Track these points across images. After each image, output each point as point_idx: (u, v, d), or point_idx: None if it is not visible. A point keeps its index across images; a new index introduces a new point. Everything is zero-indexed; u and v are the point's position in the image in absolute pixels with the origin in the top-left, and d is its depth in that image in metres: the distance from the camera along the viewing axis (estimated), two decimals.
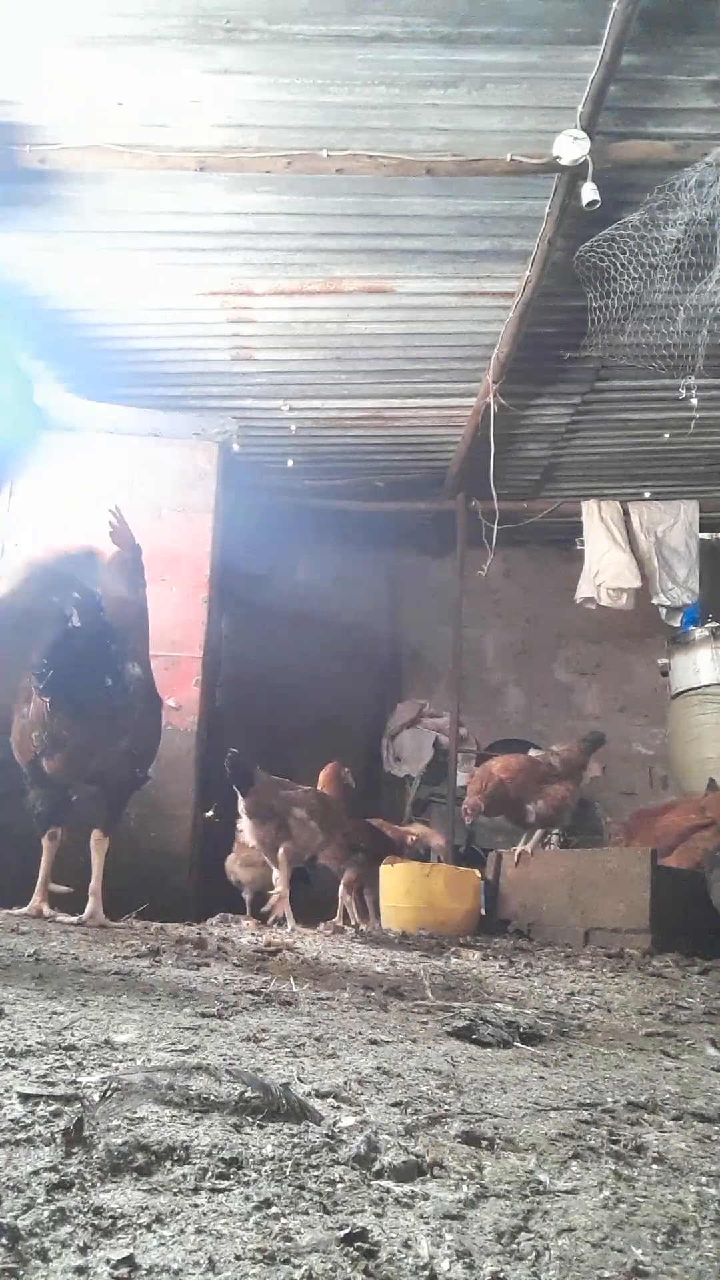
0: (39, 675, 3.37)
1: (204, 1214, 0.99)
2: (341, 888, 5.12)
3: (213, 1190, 1.06)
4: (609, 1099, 1.58)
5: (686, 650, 7.19)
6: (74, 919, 3.62)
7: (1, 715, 3.78)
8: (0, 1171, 1.04)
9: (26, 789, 3.72)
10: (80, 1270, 0.86)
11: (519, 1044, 1.99)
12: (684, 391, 5.23)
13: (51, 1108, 1.24)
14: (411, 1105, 1.44)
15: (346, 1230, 0.97)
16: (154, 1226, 0.95)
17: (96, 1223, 0.95)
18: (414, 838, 5.49)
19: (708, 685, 7.03)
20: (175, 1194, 1.04)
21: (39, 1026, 1.72)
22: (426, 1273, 0.92)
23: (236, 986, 2.42)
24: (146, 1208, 0.99)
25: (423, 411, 6.29)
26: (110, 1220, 0.96)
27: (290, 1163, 1.14)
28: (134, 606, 3.80)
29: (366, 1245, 0.95)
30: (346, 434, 6.62)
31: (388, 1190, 1.11)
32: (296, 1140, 1.22)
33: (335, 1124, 1.31)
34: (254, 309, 5.17)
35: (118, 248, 4.64)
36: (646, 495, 7.19)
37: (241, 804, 4.42)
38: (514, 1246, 0.99)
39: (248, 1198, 1.04)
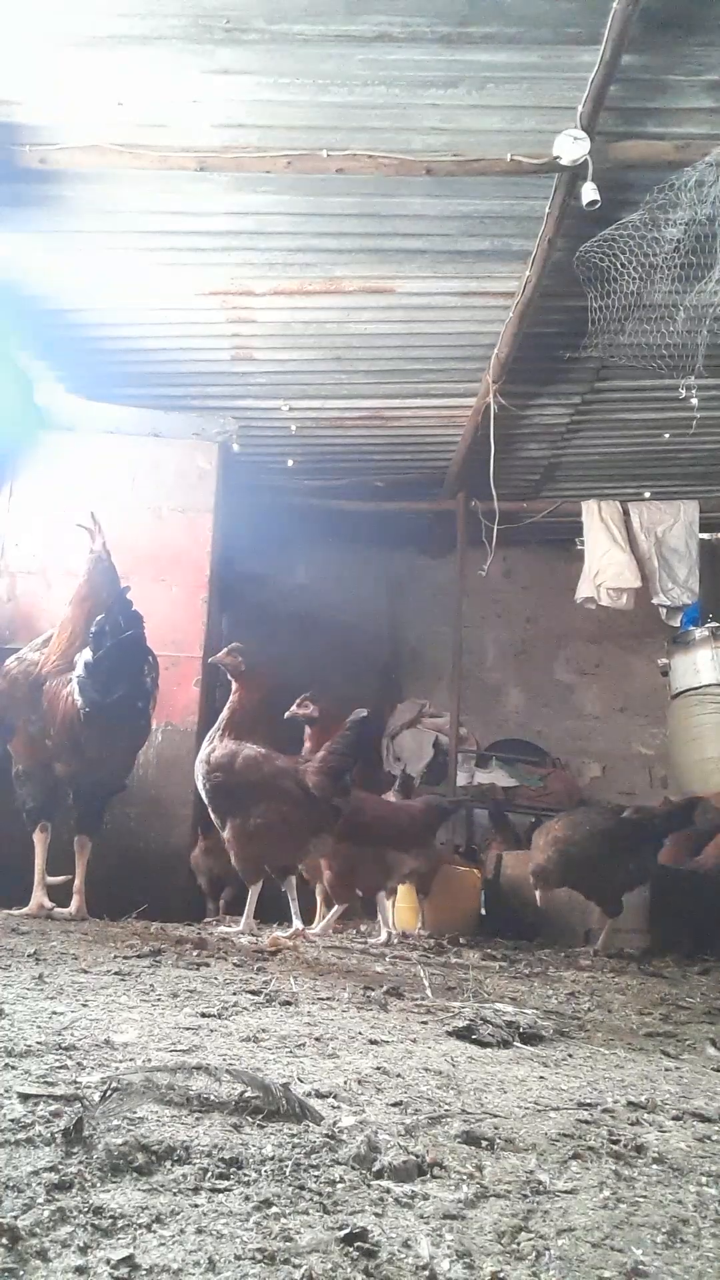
0: (98, 691, 3.47)
1: (204, 1214, 0.99)
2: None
3: (213, 1190, 1.06)
4: (609, 1099, 1.58)
5: (686, 650, 7.20)
6: (66, 912, 3.75)
7: None
8: (0, 1171, 1.04)
9: (18, 787, 3.83)
10: (80, 1270, 0.86)
11: (519, 1044, 1.99)
12: (684, 391, 5.22)
13: (51, 1108, 1.24)
14: (411, 1105, 1.44)
15: (346, 1230, 0.97)
16: (154, 1226, 0.95)
17: (96, 1223, 0.95)
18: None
19: (708, 685, 7.03)
20: (175, 1194, 1.04)
21: (39, 1026, 1.72)
22: (426, 1273, 0.92)
23: (236, 986, 2.42)
24: (146, 1208, 0.99)
25: (423, 411, 6.29)
26: (110, 1220, 0.96)
27: (290, 1163, 1.14)
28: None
29: (366, 1245, 0.95)
30: (346, 434, 6.61)
31: (388, 1190, 1.11)
32: (296, 1140, 1.22)
33: (335, 1124, 1.31)
34: (254, 309, 5.17)
35: (118, 248, 4.64)
36: (646, 495, 7.18)
37: None
38: (514, 1246, 0.99)
39: (248, 1198, 1.04)
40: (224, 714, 4.07)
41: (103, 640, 3.50)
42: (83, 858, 3.84)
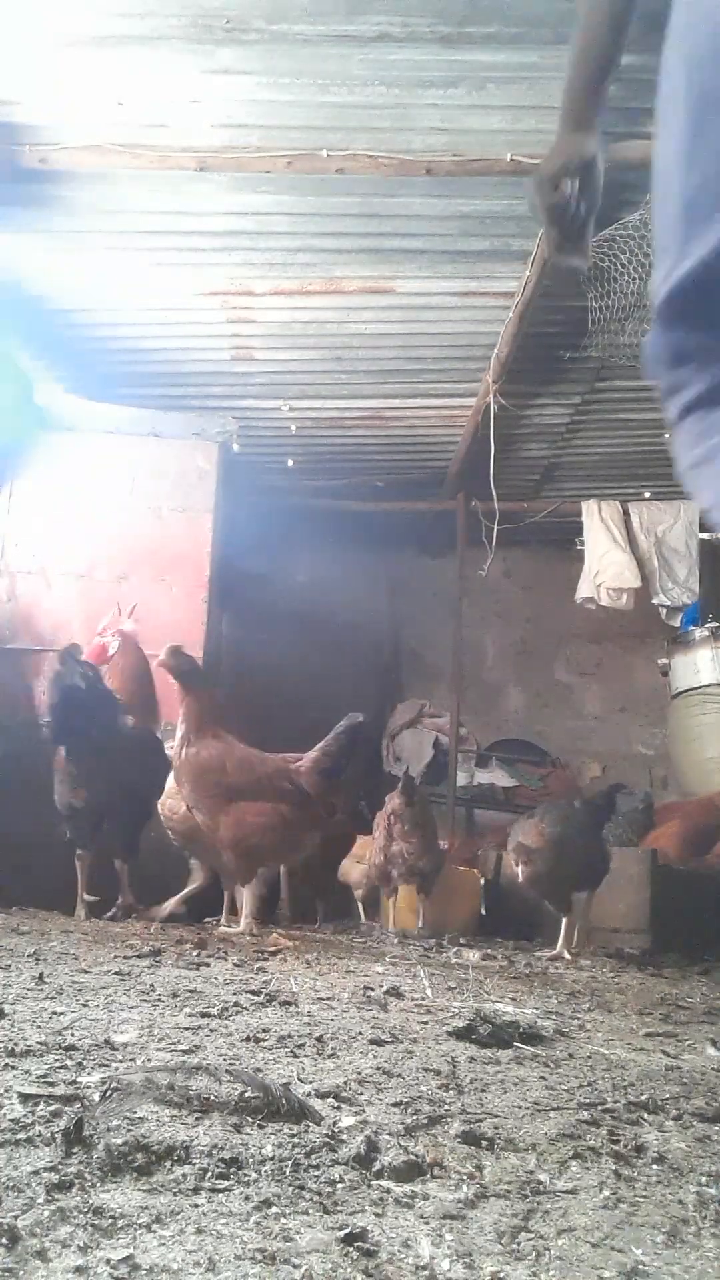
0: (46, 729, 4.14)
1: (204, 1214, 0.99)
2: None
3: (213, 1190, 1.06)
4: (609, 1099, 1.58)
5: (686, 650, 7.19)
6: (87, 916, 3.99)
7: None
8: (0, 1171, 1.04)
9: (62, 824, 4.20)
10: (80, 1270, 0.86)
11: (519, 1044, 1.98)
12: None
13: (51, 1108, 1.24)
14: (411, 1105, 1.44)
15: (346, 1230, 0.97)
16: (154, 1226, 0.95)
17: (96, 1223, 0.95)
18: None
19: (708, 685, 7.03)
20: (175, 1194, 1.04)
21: (39, 1026, 1.72)
22: (426, 1273, 0.92)
23: (236, 986, 2.42)
24: (146, 1208, 0.99)
25: (423, 411, 6.29)
26: (110, 1220, 0.96)
27: (290, 1163, 1.14)
28: (143, 684, 4.55)
29: (366, 1245, 0.95)
30: (346, 434, 6.62)
31: (388, 1190, 1.11)
32: (296, 1140, 1.22)
33: (335, 1124, 1.31)
34: (254, 309, 5.17)
35: (118, 248, 4.64)
36: (646, 495, 7.18)
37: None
38: (514, 1246, 0.99)
39: (248, 1198, 1.04)
40: (182, 720, 3.98)
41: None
42: (124, 877, 4.28)
